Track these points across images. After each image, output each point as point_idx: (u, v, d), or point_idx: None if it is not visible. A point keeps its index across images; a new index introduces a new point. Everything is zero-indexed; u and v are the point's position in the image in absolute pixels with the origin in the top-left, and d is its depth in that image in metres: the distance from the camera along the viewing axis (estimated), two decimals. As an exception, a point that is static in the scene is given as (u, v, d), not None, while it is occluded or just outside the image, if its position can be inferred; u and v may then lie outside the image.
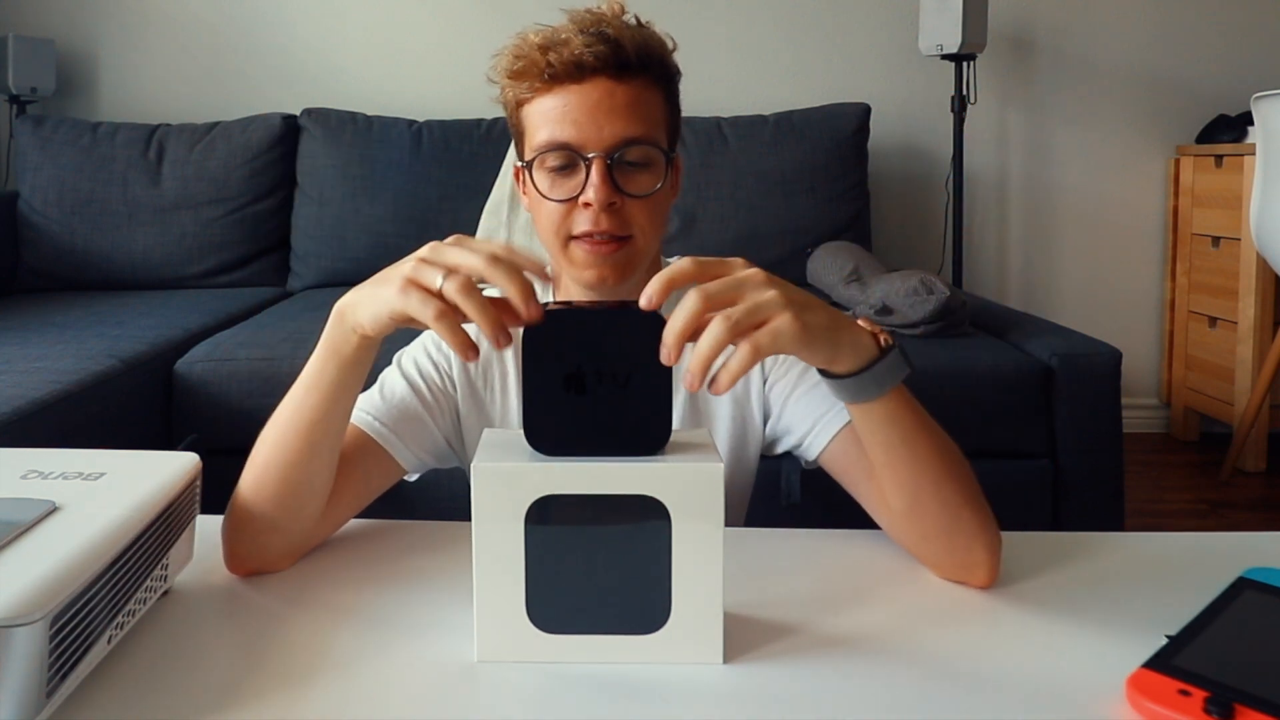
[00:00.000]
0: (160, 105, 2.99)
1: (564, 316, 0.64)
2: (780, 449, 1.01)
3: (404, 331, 0.75)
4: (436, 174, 2.64)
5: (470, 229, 2.54)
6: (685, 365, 0.62)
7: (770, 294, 0.62)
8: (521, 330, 0.64)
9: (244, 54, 3.02)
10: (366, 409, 0.90)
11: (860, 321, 0.71)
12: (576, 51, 0.85)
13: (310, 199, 2.67)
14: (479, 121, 2.71)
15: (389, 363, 0.97)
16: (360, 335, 0.71)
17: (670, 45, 0.93)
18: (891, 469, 0.76)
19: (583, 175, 0.87)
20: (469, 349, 0.62)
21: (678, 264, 0.63)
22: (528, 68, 0.87)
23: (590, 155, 0.86)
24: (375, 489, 0.88)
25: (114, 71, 3.04)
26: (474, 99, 2.89)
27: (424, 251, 0.66)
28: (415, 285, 0.64)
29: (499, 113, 3.15)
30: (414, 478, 0.96)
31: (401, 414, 0.91)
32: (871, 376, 0.69)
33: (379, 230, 2.61)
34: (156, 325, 2.04)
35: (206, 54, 3.02)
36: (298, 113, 2.76)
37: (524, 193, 0.94)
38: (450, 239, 0.67)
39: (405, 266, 0.66)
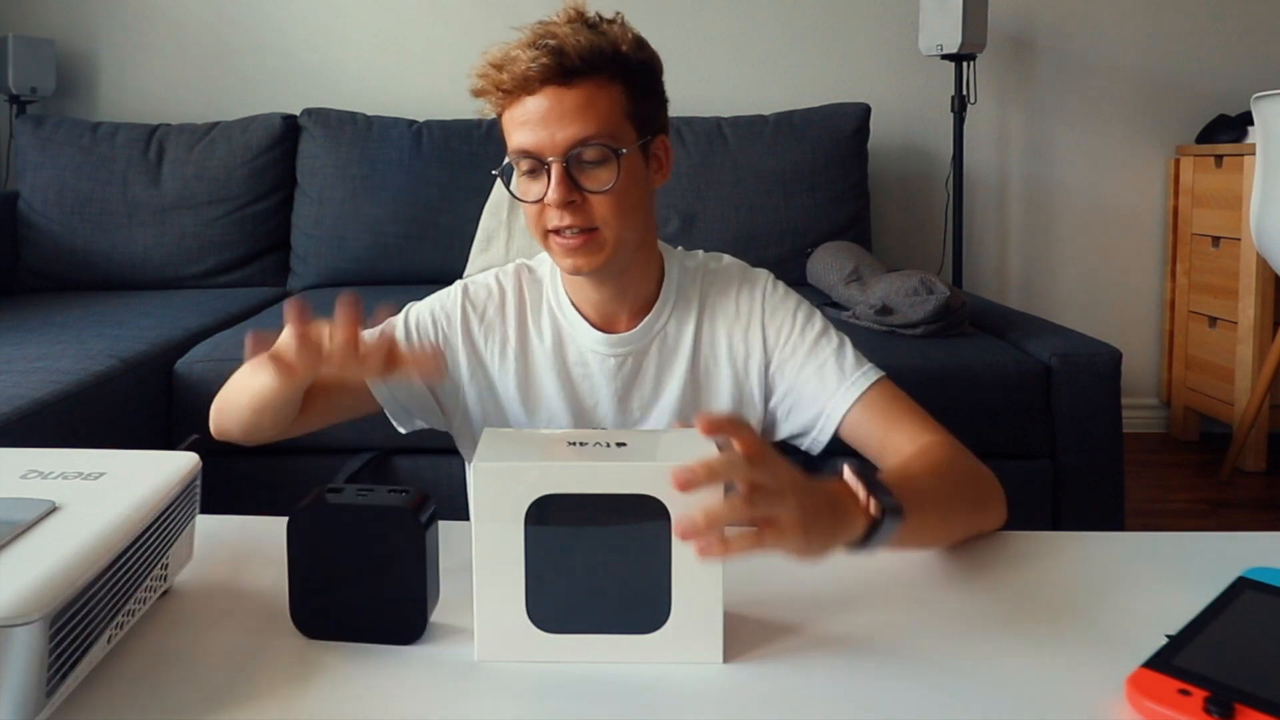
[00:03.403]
0: (160, 105, 2.99)
1: (325, 510, 0.66)
2: (781, 435, 1.05)
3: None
4: (436, 174, 2.63)
5: (470, 229, 2.54)
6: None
7: (792, 508, 0.64)
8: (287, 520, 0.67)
9: (244, 54, 3.02)
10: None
11: (848, 478, 0.72)
12: (523, 67, 0.92)
13: (310, 199, 2.67)
14: (479, 121, 2.71)
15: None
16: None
17: (629, 37, 0.96)
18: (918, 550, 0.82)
19: (546, 177, 0.93)
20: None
21: (730, 458, 0.62)
22: (487, 86, 0.95)
23: (548, 160, 0.93)
24: (346, 414, 1.04)
25: (114, 71, 3.04)
26: (474, 99, 2.89)
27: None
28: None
29: (499, 113, 3.04)
30: (404, 430, 1.07)
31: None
32: (872, 544, 0.71)
33: (379, 230, 2.60)
34: (156, 325, 2.04)
35: (206, 54, 3.02)
36: (298, 113, 2.76)
37: None
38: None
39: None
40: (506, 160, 0.98)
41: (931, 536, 0.79)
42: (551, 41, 0.91)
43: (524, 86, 0.92)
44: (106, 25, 3.02)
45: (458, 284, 1.07)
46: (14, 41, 2.79)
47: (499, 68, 0.93)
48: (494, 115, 0.99)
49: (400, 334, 1.04)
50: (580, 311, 1.03)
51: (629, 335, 1.03)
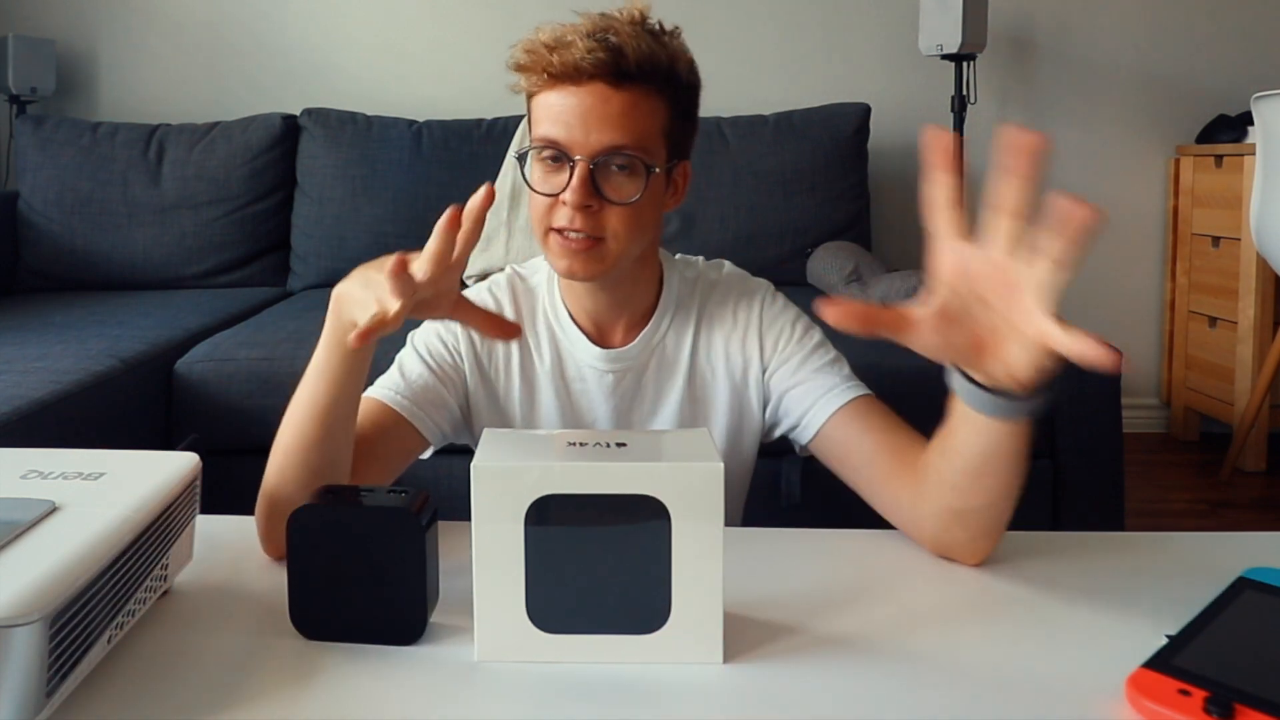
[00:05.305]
0: (160, 105, 2.99)
1: (325, 510, 0.66)
2: (778, 432, 1.04)
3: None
4: (436, 174, 2.63)
5: (470, 229, 2.53)
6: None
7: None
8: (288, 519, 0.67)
9: (244, 54, 3.02)
10: (389, 387, 0.96)
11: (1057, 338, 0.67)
12: (577, 56, 0.88)
13: (310, 199, 2.67)
14: (479, 121, 2.71)
15: (402, 344, 1.03)
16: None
17: (686, 56, 0.94)
18: (976, 481, 0.76)
19: (568, 174, 0.90)
20: None
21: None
22: (533, 64, 0.90)
23: (576, 158, 0.89)
24: (402, 463, 0.95)
25: (114, 71, 3.04)
26: (474, 99, 2.89)
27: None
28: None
29: (499, 113, 3.13)
30: (429, 454, 1.01)
31: (422, 389, 0.97)
32: (1028, 406, 0.69)
33: (379, 230, 2.60)
34: (156, 325, 2.04)
35: (206, 54, 3.02)
36: (298, 113, 2.76)
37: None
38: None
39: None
40: (528, 146, 0.93)
41: (1002, 474, 0.74)
42: (613, 39, 0.88)
43: (572, 76, 0.88)
44: (107, 25, 3.02)
45: None
46: (14, 41, 2.79)
47: (551, 49, 0.89)
48: (523, 92, 0.94)
49: (420, 363, 0.99)
50: (577, 322, 1.01)
51: (626, 350, 1.00)
